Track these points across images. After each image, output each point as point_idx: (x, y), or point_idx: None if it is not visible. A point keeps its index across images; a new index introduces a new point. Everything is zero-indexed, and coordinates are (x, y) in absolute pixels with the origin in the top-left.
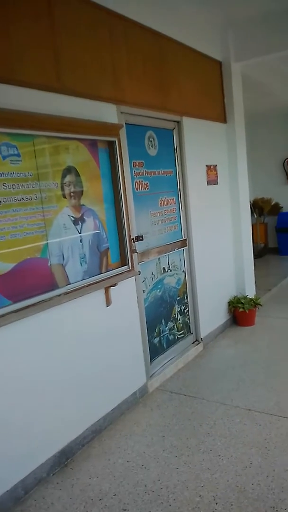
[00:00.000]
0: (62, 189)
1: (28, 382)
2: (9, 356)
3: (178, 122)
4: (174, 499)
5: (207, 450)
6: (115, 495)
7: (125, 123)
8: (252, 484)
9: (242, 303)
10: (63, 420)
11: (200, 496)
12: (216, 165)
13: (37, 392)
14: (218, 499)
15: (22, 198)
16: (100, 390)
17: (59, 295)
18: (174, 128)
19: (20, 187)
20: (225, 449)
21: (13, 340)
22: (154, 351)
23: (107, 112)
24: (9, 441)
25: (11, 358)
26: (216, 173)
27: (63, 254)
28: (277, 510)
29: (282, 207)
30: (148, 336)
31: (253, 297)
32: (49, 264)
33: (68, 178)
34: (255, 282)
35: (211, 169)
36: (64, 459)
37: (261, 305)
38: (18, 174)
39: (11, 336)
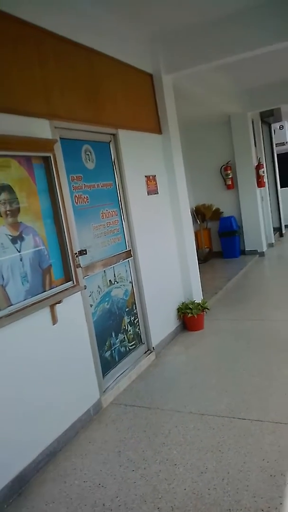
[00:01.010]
0: None
1: None
2: None
3: (114, 134)
4: None
5: (163, 460)
6: None
7: (60, 138)
8: (209, 489)
9: (190, 308)
10: (14, 447)
11: (158, 508)
12: (155, 175)
13: None
14: (176, 509)
15: None
16: (52, 411)
17: (1, 317)
18: (111, 140)
19: None
20: (181, 457)
21: None
22: (106, 365)
23: (40, 128)
24: None
25: None
26: (156, 183)
27: (2, 275)
28: None
29: (223, 212)
30: (99, 351)
31: (201, 301)
32: None
33: (2, 196)
34: (202, 286)
35: (150, 180)
36: (18, 487)
37: (208, 309)
38: None
39: None
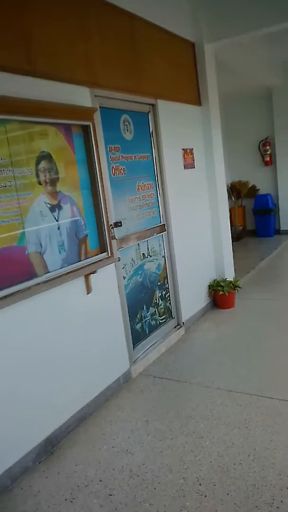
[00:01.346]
0: (37, 175)
1: (9, 371)
2: None
3: (153, 105)
4: (159, 482)
5: (190, 433)
6: (100, 481)
7: (100, 107)
8: (234, 464)
9: (221, 286)
10: (47, 408)
11: (184, 478)
12: (192, 149)
13: (19, 382)
14: (202, 480)
15: None
16: (84, 377)
17: (38, 283)
18: (149, 111)
19: None
20: (208, 431)
21: None
22: (137, 336)
23: (80, 96)
24: None
25: None
26: (193, 157)
27: (40, 242)
28: (258, 488)
29: (259, 189)
30: (130, 322)
31: (232, 279)
32: (26, 253)
33: (43, 164)
34: (234, 265)
35: (188, 153)
36: (50, 447)
37: (240, 287)
38: None
39: None
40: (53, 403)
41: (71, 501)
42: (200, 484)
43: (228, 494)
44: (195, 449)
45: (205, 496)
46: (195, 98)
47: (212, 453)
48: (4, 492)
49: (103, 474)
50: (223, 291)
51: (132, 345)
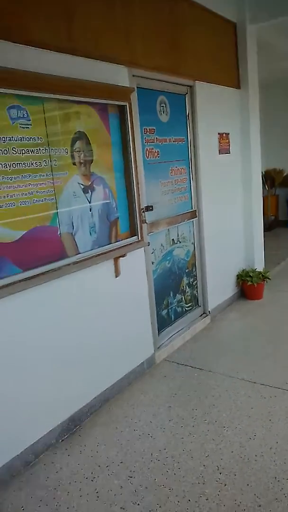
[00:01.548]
0: (72, 156)
1: (37, 350)
2: (17, 324)
3: (191, 86)
4: (179, 468)
5: (212, 421)
6: (121, 462)
7: (137, 87)
8: (256, 455)
9: (250, 276)
10: (71, 388)
11: (204, 465)
12: (228, 133)
13: (45, 360)
14: (222, 469)
15: (32, 164)
16: (108, 359)
17: (69, 264)
18: (187, 93)
19: (30, 152)
20: (230, 421)
21: (22, 309)
22: (162, 322)
23: (118, 75)
24: (18, 407)
25: (20, 326)
26: (228, 142)
27: (72, 223)
28: (279, 481)
29: None
30: (156, 308)
31: (262, 270)
32: (58, 233)
33: (78, 145)
34: (265, 256)
35: (223, 138)
36: (73, 426)
37: (269, 279)
38: (27, 139)
39: (20, 305)
40: (77, 383)
41: (91, 480)
42: (220, 473)
43: (248, 484)
44: (217, 438)
45: (225, 485)
46: (235, 81)
47: (234, 443)
48: (27, 466)
49: (124, 456)
50: (251, 281)
51: (157, 331)
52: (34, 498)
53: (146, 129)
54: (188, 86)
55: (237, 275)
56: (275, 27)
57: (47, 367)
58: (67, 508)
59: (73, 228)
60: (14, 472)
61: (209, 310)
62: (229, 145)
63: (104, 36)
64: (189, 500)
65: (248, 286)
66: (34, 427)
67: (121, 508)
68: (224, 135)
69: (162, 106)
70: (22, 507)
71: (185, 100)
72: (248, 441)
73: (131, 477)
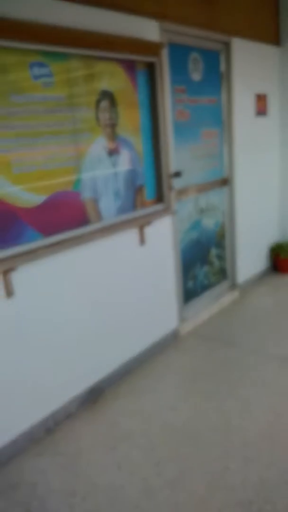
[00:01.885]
0: (97, 117)
1: (60, 318)
2: (42, 291)
3: (226, 43)
4: (203, 442)
5: (239, 398)
6: (144, 434)
7: (168, 43)
8: (284, 433)
9: (284, 249)
10: (94, 356)
11: (230, 440)
12: (266, 94)
13: (68, 329)
14: (248, 444)
15: (54, 125)
16: (132, 330)
17: (92, 231)
18: (222, 50)
19: (52, 113)
20: (258, 397)
21: (44, 276)
22: (188, 294)
23: (148, 29)
24: (41, 373)
25: (44, 293)
26: (266, 103)
27: (96, 188)
28: None
29: None
30: (182, 279)
31: None
32: (81, 198)
33: (103, 105)
34: None
35: (261, 99)
36: (94, 396)
37: None
38: (50, 98)
39: (42, 272)
40: (100, 352)
41: (112, 449)
42: (246, 449)
43: (274, 461)
44: (243, 414)
45: (251, 460)
46: (274, 36)
47: (261, 420)
48: (48, 433)
49: (147, 427)
50: (285, 255)
51: (182, 303)
52: (54, 464)
53: (177, 88)
54: (223, 42)
55: (270, 248)
56: None
57: (71, 335)
58: (88, 476)
59: (97, 193)
60: (35, 438)
61: (238, 283)
62: (266, 106)
63: None
64: (213, 474)
65: (281, 259)
66: (55, 395)
67: (142, 478)
68: (261, 96)
69: (195, 64)
70: (43, 471)
71: (220, 57)
72: (276, 418)
73: (153, 449)
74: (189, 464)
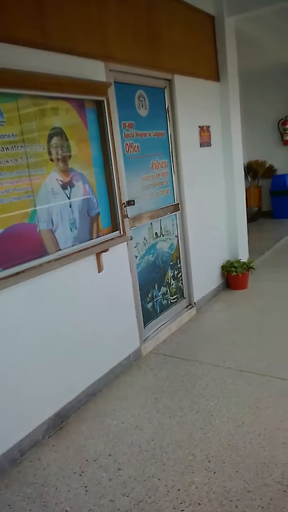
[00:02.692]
0: (49, 152)
1: (21, 347)
2: (2, 324)
3: (169, 80)
4: (168, 458)
5: (200, 411)
6: (110, 455)
7: (114, 81)
8: (244, 442)
9: (235, 267)
10: (57, 383)
11: (193, 454)
12: (209, 126)
13: (30, 357)
14: (211, 457)
15: (7, 162)
16: (94, 354)
17: (50, 261)
18: (166, 86)
19: (5, 150)
20: (218, 409)
21: (4, 307)
22: (148, 315)
23: (94, 70)
24: (3, 404)
25: (4, 326)
26: (209, 135)
27: (52, 220)
28: (268, 466)
29: (277, 169)
30: (141, 301)
31: (246, 261)
32: (38, 230)
33: (55, 141)
34: (249, 246)
35: (204, 130)
36: (60, 422)
37: (254, 269)
38: (2, 136)
39: (2, 303)
40: (64, 378)
41: (80, 474)
42: (209, 461)
43: (237, 471)
44: (205, 427)
45: (214, 472)
46: (214, 73)
47: (222, 431)
48: (13, 464)
49: (112, 449)
50: (236, 272)
51: (143, 324)
52: (21, 495)
53: (125, 123)
54: (166, 79)
55: (222, 266)
56: (253, 19)
57: (32, 364)
58: (55, 504)
59: (53, 224)
60: (0, 471)
61: (194, 301)
62: (210, 137)
63: (79, 31)
64: (179, 489)
65: (233, 276)
66: (20, 425)
67: (110, 500)
68: (205, 128)
69: (141, 100)
70: (9, 505)
71: (164, 93)
72: (237, 428)
73: (120, 469)
74: (155, 482)
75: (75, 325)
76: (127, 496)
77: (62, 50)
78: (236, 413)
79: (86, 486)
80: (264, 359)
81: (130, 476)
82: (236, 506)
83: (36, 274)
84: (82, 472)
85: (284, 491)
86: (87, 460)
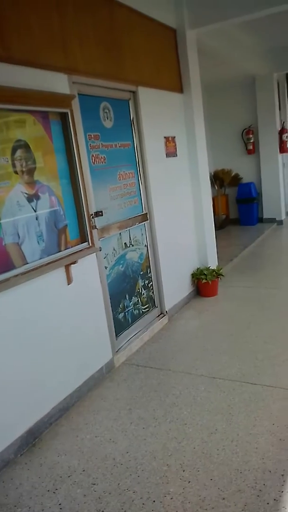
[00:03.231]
0: (14, 165)
1: None
2: None
3: (133, 92)
4: (143, 470)
5: (173, 420)
6: (84, 470)
7: (78, 94)
8: (218, 449)
9: (205, 274)
10: (29, 399)
11: (167, 465)
12: (174, 137)
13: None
14: (185, 466)
15: None
16: (66, 368)
17: (17, 275)
18: (130, 98)
19: None
20: (191, 417)
21: None
22: (119, 326)
23: (57, 82)
24: None
25: None
26: (175, 145)
27: (18, 233)
28: (241, 472)
29: (242, 178)
30: (112, 312)
31: (216, 268)
32: (3, 244)
33: (18, 153)
34: (217, 253)
35: (170, 141)
36: (32, 439)
37: (223, 276)
38: None
39: None
40: (35, 394)
41: (53, 492)
42: (183, 470)
43: (211, 479)
44: (179, 436)
45: (189, 482)
46: (177, 85)
47: (196, 439)
48: None
49: (86, 464)
50: (206, 279)
51: (115, 335)
52: None
53: (91, 135)
54: (130, 91)
55: (192, 274)
56: (213, 32)
57: (0, 381)
58: None
59: (19, 238)
60: None
61: (166, 310)
62: (175, 148)
63: (40, 43)
64: (154, 501)
65: (203, 284)
66: None
67: None
68: (170, 138)
69: (106, 112)
70: None
71: (129, 105)
72: (210, 436)
73: (94, 484)
74: (130, 495)
75: (45, 339)
76: (102, 511)
77: (24, 63)
78: (209, 420)
79: (60, 504)
80: (235, 365)
81: (105, 491)
82: None
83: (3, 289)
84: (56, 489)
85: (258, 495)
86: (60, 477)
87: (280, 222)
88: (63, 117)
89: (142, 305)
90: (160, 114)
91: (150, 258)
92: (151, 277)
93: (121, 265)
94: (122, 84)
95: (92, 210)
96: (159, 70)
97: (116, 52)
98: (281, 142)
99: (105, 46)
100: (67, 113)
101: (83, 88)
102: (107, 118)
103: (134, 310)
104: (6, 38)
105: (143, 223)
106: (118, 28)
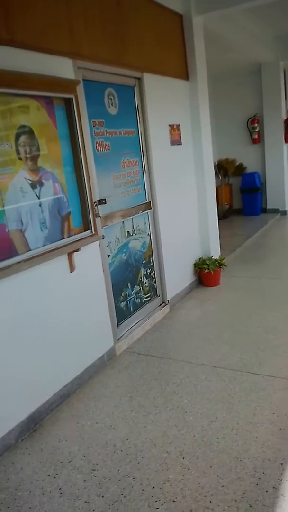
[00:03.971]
0: (17, 151)
1: None
2: None
3: (139, 78)
4: (143, 457)
5: (174, 408)
6: (84, 456)
7: (83, 79)
8: (218, 437)
9: (207, 264)
10: (30, 386)
11: (167, 452)
12: (179, 125)
13: (2, 360)
14: (185, 454)
15: None
16: (68, 355)
17: (19, 262)
18: (135, 85)
19: None
20: (192, 405)
21: None
22: (121, 314)
23: (62, 67)
24: None
25: None
26: (180, 133)
27: (21, 219)
28: (241, 460)
29: (246, 167)
30: (114, 300)
31: (218, 258)
32: (6, 230)
33: (22, 139)
34: (220, 243)
35: (174, 129)
36: (33, 425)
37: (225, 266)
38: None
39: None
40: (36, 380)
41: (54, 477)
42: (183, 458)
43: (211, 467)
44: (179, 424)
45: (188, 469)
46: (183, 72)
47: (196, 427)
48: None
49: (87, 450)
50: (208, 269)
51: (116, 323)
52: None
53: (95, 121)
54: (136, 78)
55: (194, 264)
56: (221, 18)
57: (4, 366)
58: (30, 508)
59: (23, 224)
60: None
61: (168, 299)
62: (180, 136)
63: (46, 27)
64: (154, 488)
65: (205, 273)
66: None
67: (85, 502)
68: (175, 126)
69: (111, 98)
70: None
71: (134, 92)
72: (210, 424)
73: (95, 470)
74: (130, 481)
75: (47, 326)
76: (102, 496)
77: (28, 47)
78: (209, 409)
79: (60, 489)
80: (236, 354)
81: (105, 477)
82: (210, 501)
83: (5, 276)
84: (57, 474)
85: (257, 484)
86: (61, 462)
87: (284, 213)
88: (68, 103)
89: (144, 294)
90: (165, 101)
91: (152, 247)
92: (153, 266)
93: (123, 254)
94: (127, 70)
95: (96, 197)
96: (164, 57)
97: (122, 38)
98: (286, 131)
99: (111, 31)
100: (72, 98)
101: (88, 74)
102: (112, 105)
103: (136, 299)
104: (10, 20)
105: (147, 211)
106: (124, 13)
